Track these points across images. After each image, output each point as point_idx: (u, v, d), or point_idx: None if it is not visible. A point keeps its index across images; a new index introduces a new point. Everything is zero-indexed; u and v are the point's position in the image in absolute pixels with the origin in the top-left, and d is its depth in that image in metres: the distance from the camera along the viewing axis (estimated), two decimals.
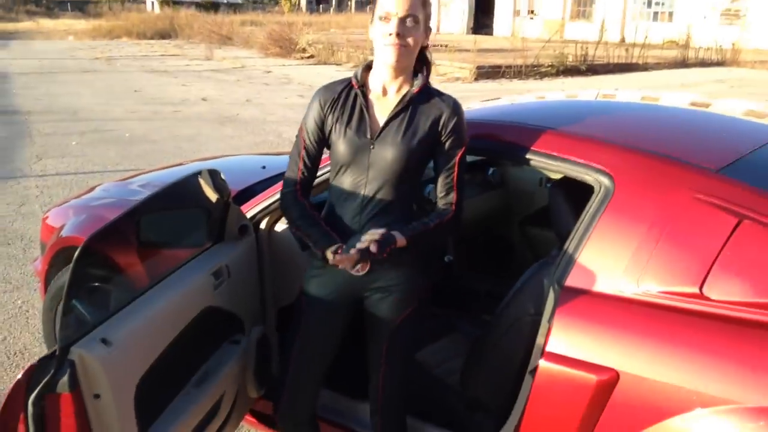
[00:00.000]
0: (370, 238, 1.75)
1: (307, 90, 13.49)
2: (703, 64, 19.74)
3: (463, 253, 3.20)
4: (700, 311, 1.63)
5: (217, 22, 32.28)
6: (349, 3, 75.52)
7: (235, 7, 47.83)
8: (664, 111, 2.56)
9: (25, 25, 44.28)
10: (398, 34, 1.78)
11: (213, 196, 2.12)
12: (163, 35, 33.19)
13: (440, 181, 1.89)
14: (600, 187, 1.85)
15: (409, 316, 1.95)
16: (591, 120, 2.20)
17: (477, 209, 3.27)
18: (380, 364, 1.98)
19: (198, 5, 51.04)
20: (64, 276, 2.83)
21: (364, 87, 1.92)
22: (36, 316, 3.78)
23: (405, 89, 1.88)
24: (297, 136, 1.99)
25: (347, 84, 1.94)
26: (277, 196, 2.17)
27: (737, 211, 1.66)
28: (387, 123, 1.87)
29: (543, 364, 1.77)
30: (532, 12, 36.38)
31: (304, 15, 43.26)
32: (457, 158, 1.87)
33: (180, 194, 2.09)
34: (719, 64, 19.92)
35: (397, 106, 1.87)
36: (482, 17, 38.90)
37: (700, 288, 1.64)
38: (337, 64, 19.76)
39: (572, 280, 1.81)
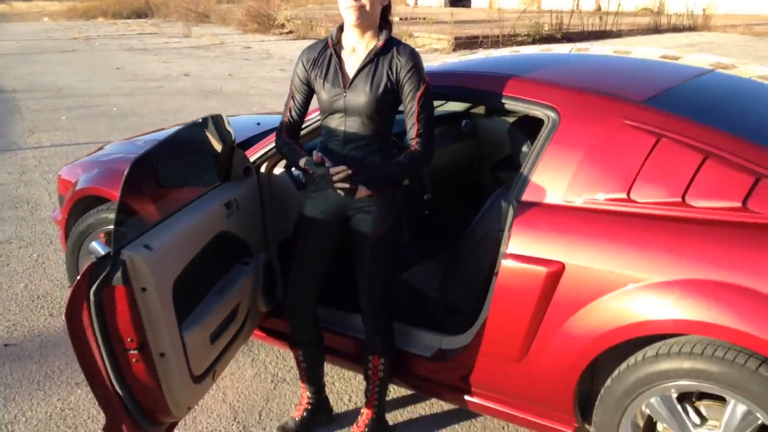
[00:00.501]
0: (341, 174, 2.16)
1: (287, 64, 13.73)
2: (675, 29, 20.15)
3: (441, 195, 3.57)
4: (627, 212, 2.02)
5: (193, 0, 32.12)
6: None
7: None
8: (606, 58, 2.95)
9: None
10: None
11: (219, 141, 2.47)
12: (140, 14, 32.98)
13: (406, 119, 2.25)
14: (548, 120, 2.23)
15: (386, 230, 2.33)
16: (543, 67, 2.59)
17: (452, 157, 3.65)
18: (365, 273, 2.36)
19: None
20: (83, 222, 3.19)
21: (337, 45, 2.29)
22: (52, 266, 4.13)
23: (371, 45, 2.25)
24: (289, 89, 2.38)
25: (325, 44, 2.31)
26: (272, 144, 2.58)
27: (656, 132, 2.05)
28: (356, 74, 2.24)
29: (504, 263, 2.16)
30: None
31: None
32: (417, 97, 2.21)
33: (190, 138, 2.44)
34: (691, 29, 20.34)
35: (364, 59, 2.23)
36: None
37: (628, 193, 2.03)
38: (317, 39, 19.94)
39: (527, 196, 2.20)
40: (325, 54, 2.31)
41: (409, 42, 17.49)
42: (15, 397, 2.87)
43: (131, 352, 1.88)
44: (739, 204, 1.88)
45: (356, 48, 2.27)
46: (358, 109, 2.23)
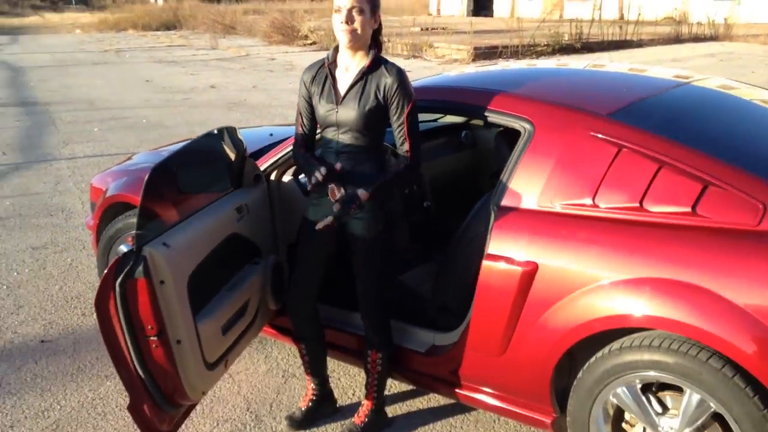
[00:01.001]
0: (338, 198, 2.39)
1: None
2: (697, 39, 20.15)
3: (442, 202, 3.80)
4: (593, 216, 2.25)
5: (220, 12, 32.71)
6: None
7: None
8: (581, 73, 3.19)
9: (31, 19, 44.84)
10: (346, 22, 2.40)
11: (232, 151, 2.74)
12: (168, 26, 33.71)
13: (395, 134, 2.49)
14: (525, 131, 2.46)
15: (379, 234, 2.57)
16: (522, 82, 2.83)
17: (452, 167, 3.89)
18: (361, 274, 2.61)
19: None
20: (113, 227, 3.48)
21: (333, 65, 2.54)
22: (85, 270, 4.44)
23: (362, 64, 2.49)
24: (297, 106, 2.67)
25: (323, 63, 2.57)
26: (281, 153, 2.86)
27: (618, 143, 2.27)
28: (347, 92, 2.49)
29: (485, 263, 2.39)
30: None
31: (305, 2, 43.70)
32: (405, 113, 2.45)
33: (205, 148, 2.71)
34: (712, 39, 20.32)
35: (354, 78, 2.48)
36: None
37: (593, 199, 2.25)
38: None
39: (506, 201, 2.43)
40: (322, 73, 2.57)
41: (429, 52, 17.77)
42: (50, 388, 3.15)
43: (151, 338, 2.14)
44: (689, 209, 2.10)
45: (348, 67, 2.52)
46: (349, 124, 2.49)
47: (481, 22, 27.02)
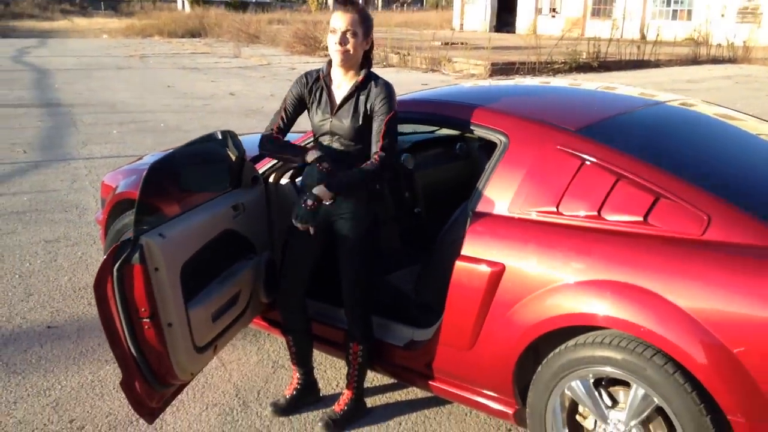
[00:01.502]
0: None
1: None
2: (715, 61, 20.20)
3: (436, 209, 3.98)
4: (557, 222, 2.42)
5: (245, 20, 33.25)
6: (375, 1, 76.15)
7: (263, 6, 48.83)
8: (558, 89, 3.38)
9: (61, 23, 45.78)
10: (340, 43, 2.61)
11: (232, 152, 2.95)
12: (194, 34, 34.30)
13: (373, 136, 2.67)
14: (500, 143, 2.64)
15: (364, 233, 2.76)
16: (501, 97, 3.02)
17: (446, 176, 4.07)
18: (346, 270, 2.79)
19: (227, 4, 52.15)
20: (120, 222, 3.70)
21: (327, 77, 2.75)
22: (94, 263, 4.67)
23: (354, 80, 2.70)
24: (282, 102, 2.86)
25: (318, 75, 2.77)
26: None
27: (582, 156, 2.44)
28: (341, 105, 2.70)
29: (457, 263, 2.56)
30: (554, 10, 36.84)
31: (329, 14, 44.14)
32: (385, 121, 2.64)
33: (206, 149, 2.92)
34: (731, 61, 20.36)
35: (347, 93, 2.69)
36: (505, 15, 39.43)
37: (557, 207, 2.42)
38: None
39: (480, 207, 2.61)
40: (318, 84, 2.77)
41: (447, 66, 18.00)
42: (53, 369, 3.37)
43: (144, 320, 2.34)
44: (641, 218, 2.27)
45: (341, 84, 2.73)
46: (341, 132, 2.69)
47: (502, 38, 27.24)
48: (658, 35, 20.32)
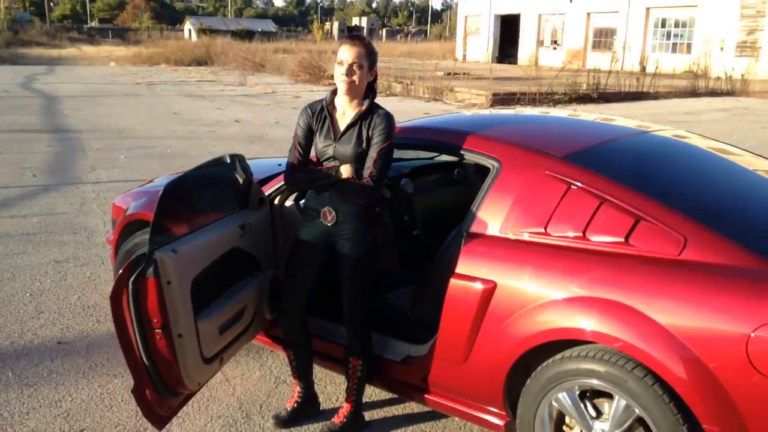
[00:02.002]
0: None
1: None
2: (713, 93, 20.51)
3: (433, 232, 4.14)
4: (545, 243, 2.57)
5: (251, 50, 33.81)
6: (380, 32, 77.15)
7: (269, 36, 49.61)
8: (549, 119, 3.57)
9: (69, 51, 46.55)
10: (347, 74, 2.80)
11: (240, 175, 3.12)
12: (200, 62, 34.84)
13: (367, 161, 2.84)
14: (493, 169, 2.81)
15: (364, 253, 2.92)
16: (497, 126, 3.19)
17: (444, 201, 4.23)
18: (346, 288, 2.94)
19: (234, 33, 53.00)
20: (130, 242, 3.86)
21: (330, 106, 2.93)
22: (102, 283, 4.82)
23: (357, 109, 2.88)
24: (293, 137, 3.01)
25: (321, 105, 2.95)
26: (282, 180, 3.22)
27: (569, 181, 2.61)
28: (344, 132, 2.88)
29: (452, 281, 2.71)
30: (555, 42, 37.41)
31: (335, 43, 44.84)
32: (378, 148, 2.82)
33: (216, 172, 3.09)
34: (729, 94, 20.67)
35: (351, 120, 2.87)
36: (507, 47, 40.07)
37: (545, 228, 2.58)
38: None
39: (473, 228, 2.77)
40: (322, 113, 2.96)
41: (449, 96, 18.29)
42: (64, 382, 3.50)
43: (156, 330, 2.49)
44: (622, 239, 2.42)
45: (345, 111, 2.91)
46: (343, 157, 2.86)
47: (504, 69, 27.66)
48: (657, 67, 20.67)
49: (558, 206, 2.59)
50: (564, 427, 2.58)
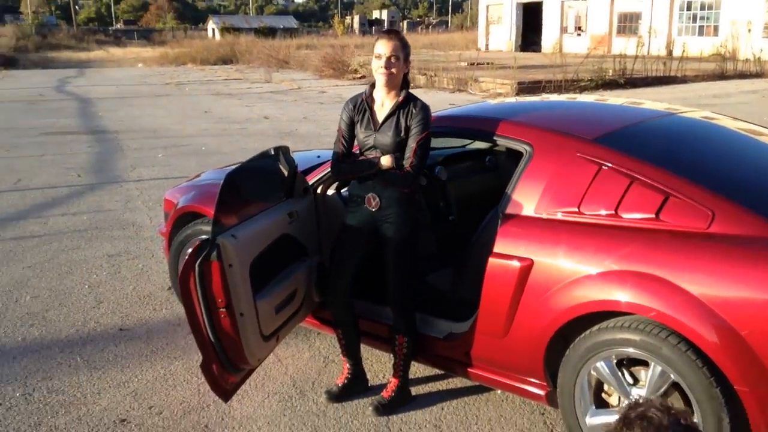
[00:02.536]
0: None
1: None
2: (742, 76, 20.30)
3: (468, 218, 4.32)
4: (577, 221, 2.74)
5: (274, 47, 34.13)
6: (400, 25, 77.08)
7: (291, 32, 49.87)
8: (578, 104, 3.72)
9: (97, 53, 47.29)
10: (386, 67, 2.99)
11: (285, 167, 3.32)
12: (225, 61, 35.22)
13: (407, 150, 3.03)
14: (526, 153, 2.98)
15: (407, 235, 3.11)
16: (527, 112, 3.37)
17: (477, 188, 4.40)
18: (391, 269, 3.14)
19: (257, 31, 53.41)
20: (183, 233, 4.09)
21: (369, 98, 3.12)
22: (155, 275, 5.08)
23: (395, 100, 3.07)
24: (337, 130, 3.22)
25: (361, 97, 3.15)
26: (326, 171, 3.45)
27: (599, 162, 2.77)
28: (383, 122, 3.07)
29: (490, 260, 2.89)
30: (579, 29, 37.11)
31: (356, 38, 45.02)
32: (417, 139, 3.01)
33: (264, 164, 3.29)
34: (758, 75, 20.43)
35: (389, 111, 3.07)
36: (531, 34, 39.81)
37: (578, 207, 2.75)
38: None
39: (509, 210, 2.94)
40: (362, 105, 3.15)
41: (474, 86, 18.36)
42: (129, 365, 3.75)
43: (221, 310, 2.71)
44: (653, 215, 2.58)
45: (384, 102, 3.11)
46: (383, 147, 3.06)
47: (528, 57, 27.58)
48: (684, 51, 20.49)
49: (590, 186, 2.75)
50: (603, 395, 2.75)
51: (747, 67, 20.90)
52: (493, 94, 17.33)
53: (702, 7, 30.14)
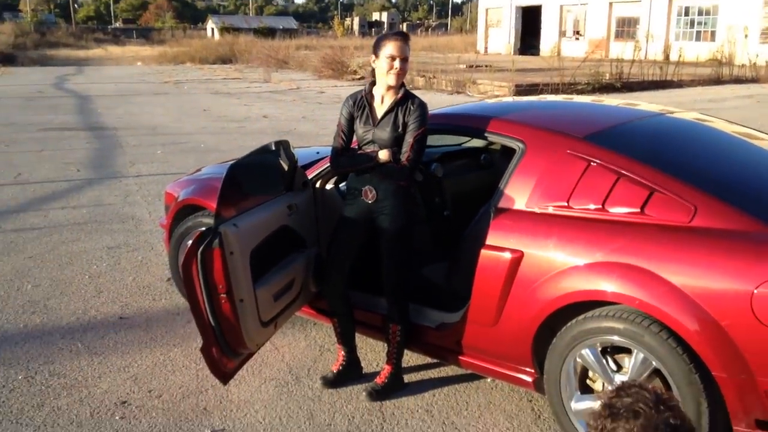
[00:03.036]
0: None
1: None
2: (738, 81, 20.46)
3: (463, 214, 4.42)
4: (567, 215, 2.84)
5: (273, 47, 34.22)
6: (400, 26, 77.22)
7: (290, 33, 50.01)
8: (570, 104, 3.83)
9: (95, 51, 47.34)
10: (400, 68, 3.12)
11: (284, 161, 3.42)
12: (224, 60, 35.31)
13: (404, 145, 3.15)
14: (518, 150, 3.09)
15: (402, 226, 3.22)
16: (520, 111, 3.47)
17: (472, 185, 4.51)
18: (386, 259, 3.24)
19: (256, 31, 53.51)
20: (183, 225, 4.19)
21: (369, 95, 3.23)
22: (153, 266, 5.17)
23: (394, 98, 3.18)
24: (337, 125, 3.32)
25: (361, 94, 3.26)
26: (325, 166, 3.55)
27: (588, 159, 2.88)
28: (382, 117, 3.18)
29: (482, 252, 3.00)
30: (578, 33, 37.29)
31: (356, 39, 45.16)
32: (414, 134, 3.13)
33: (265, 158, 3.39)
34: (754, 81, 20.60)
35: (388, 107, 3.18)
36: (529, 38, 39.98)
37: (568, 202, 2.85)
38: None
39: (501, 204, 3.05)
40: (361, 101, 3.26)
41: (472, 88, 18.49)
42: (129, 351, 3.84)
43: (222, 295, 2.81)
44: (638, 210, 2.69)
45: (383, 99, 3.21)
46: (381, 141, 3.16)
47: (526, 61, 27.71)
48: (680, 56, 20.64)
49: (579, 182, 2.86)
50: (587, 381, 2.86)
51: (743, 72, 21.07)
52: (491, 96, 17.43)
53: (700, 13, 30.35)
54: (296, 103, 16.70)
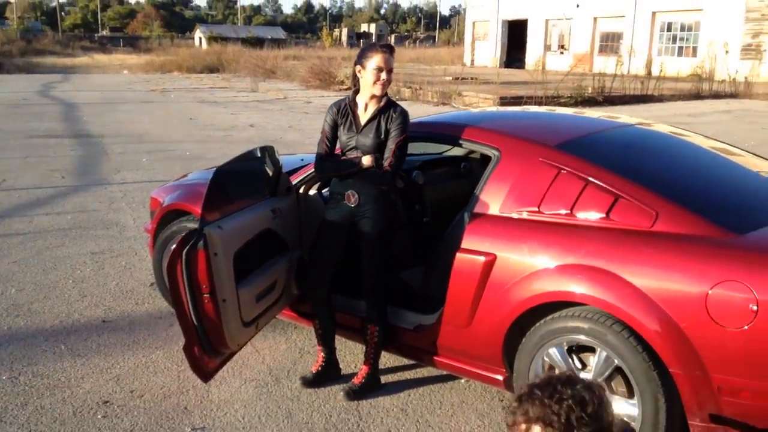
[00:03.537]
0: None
1: None
2: (717, 96, 20.82)
3: (442, 220, 4.54)
4: (538, 220, 2.97)
5: (261, 56, 34.34)
6: (388, 39, 77.64)
7: (278, 43, 50.16)
8: (545, 114, 3.96)
9: (82, 59, 47.24)
10: (387, 79, 3.25)
11: (269, 166, 3.53)
12: (212, 69, 35.36)
13: (386, 151, 3.27)
14: (494, 157, 3.22)
15: (382, 230, 3.33)
16: (497, 120, 3.60)
17: (451, 192, 4.63)
18: (366, 261, 3.35)
19: (244, 41, 53.65)
20: (168, 230, 4.28)
21: (352, 103, 3.36)
22: (137, 271, 5.24)
23: (377, 106, 3.31)
24: (321, 132, 3.43)
25: (345, 102, 3.38)
26: (309, 173, 3.66)
27: (558, 167, 3.01)
28: (365, 125, 3.30)
29: (458, 255, 3.12)
30: (563, 47, 37.74)
31: (344, 50, 45.41)
32: (396, 141, 3.26)
33: (250, 163, 3.50)
34: (732, 96, 20.97)
35: (371, 115, 3.30)
36: (515, 52, 40.39)
37: (539, 207, 2.98)
38: None
39: (476, 209, 3.17)
40: (345, 109, 3.38)
41: (457, 100, 18.70)
42: (112, 353, 3.92)
43: (205, 295, 2.90)
44: (604, 215, 2.82)
45: (367, 107, 3.34)
46: (364, 148, 3.28)
47: (511, 74, 28.04)
48: (661, 70, 20.98)
49: (549, 188, 2.99)
50: None
51: (722, 87, 21.44)
52: (476, 107, 17.65)
53: (682, 29, 30.81)
54: (283, 113, 16.80)
